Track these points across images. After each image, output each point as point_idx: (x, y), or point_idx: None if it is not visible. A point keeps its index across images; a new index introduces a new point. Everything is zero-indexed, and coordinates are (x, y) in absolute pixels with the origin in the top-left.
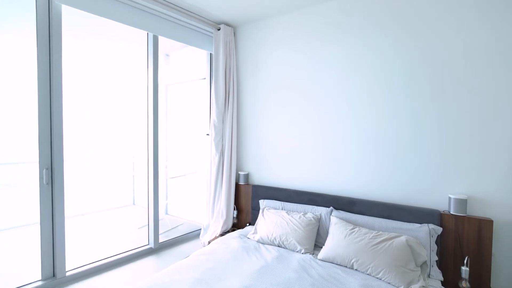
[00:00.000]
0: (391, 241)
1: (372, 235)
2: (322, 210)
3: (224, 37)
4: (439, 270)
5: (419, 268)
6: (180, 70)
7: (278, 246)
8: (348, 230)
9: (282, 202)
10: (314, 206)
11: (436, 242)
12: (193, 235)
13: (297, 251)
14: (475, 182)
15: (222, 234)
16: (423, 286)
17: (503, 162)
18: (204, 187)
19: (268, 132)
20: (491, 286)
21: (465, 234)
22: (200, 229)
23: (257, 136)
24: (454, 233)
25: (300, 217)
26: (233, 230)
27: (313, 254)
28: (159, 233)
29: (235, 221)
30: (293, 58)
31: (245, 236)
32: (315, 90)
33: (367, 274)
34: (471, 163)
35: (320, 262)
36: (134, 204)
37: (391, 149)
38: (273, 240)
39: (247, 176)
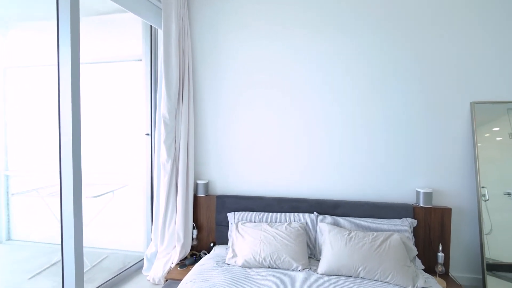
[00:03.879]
0: (388, 241)
1: (370, 238)
2: (306, 217)
3: (177, 8)
4: (419, 260)
5: (412, 263)
6: (97, 44)
7: (269, 268)
8: (346, 236)
9: (260, 213)
10: (297, 214)
11: (413, 234)
12: (131, 272)
13: (292, 269)
14: (435, 177)
15: (182, 263)
16: (425, 280)
17: (455, 159)
18: (143, 204)
19: (239, 133)
20: (449, 263)
21: (432, 222)
22: (141, 260)
23: (221, 137)
24: (424, 223)
25: (286, 228)
26: (193, 255)
27: (310, 269)
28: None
29: (195, 242)
30: (270, 52)
31: (222, 262)
32: (293, 88)
33: (375, 280)
34: (432, 160)
35: (325, 278)
36: (6, 240)
37: (368, 152)
38: (262, 262)
39: (206, 186)
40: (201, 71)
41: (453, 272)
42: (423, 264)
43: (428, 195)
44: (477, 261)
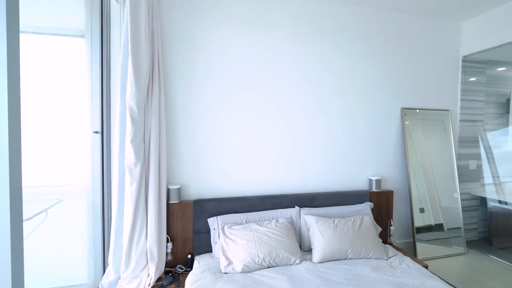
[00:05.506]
0: (363, 224)
1: (350, 222)
2: (290, 212)
3: None
4: None
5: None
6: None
7: (268, 267)
8: (332, 224)
9: (245, 214)
10: (281, 210)
11: None
12: None
13: (291, 264)
14: (381, 166)
15: (158, 284)
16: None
17: (392, 152)
18: (87, 223)
19: (216, 131)
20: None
21: (382, 203)
22: None
23: (196, 136)
24: (376, 204)
25: (275, 225)
26: (169, 273)
27: (305, 260)
28: None
29: (169, 258)
30: (249, 53)
31: (219, 272)
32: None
33: (360, 258)
34: (378, 153)
35: (322, 265)
36: None
37: (334, 150)
38: (261, 263)
39: (179, 191)
40: (171, 60)
41: (395, 240)
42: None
43: (378, 182)
44: (409, 228)
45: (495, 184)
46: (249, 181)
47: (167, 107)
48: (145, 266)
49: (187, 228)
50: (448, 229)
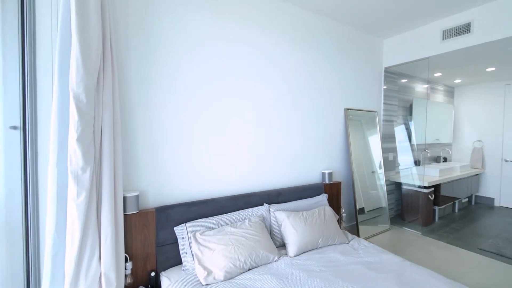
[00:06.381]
0: (326, 214)
1: (316, 214)
2: (261, 210)
3: None
4: None
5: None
6: None
7: (250, 270)
8: (301, 218)
9: (216, 217)
10: (251, 209)
11: None
12: None
13: (270, 262)
14: (331, 161)
15: None
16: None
17: (338, 147)
18: (4, 248)
19: (179, 128)
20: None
21: (333, 193)
22: None
23: (155, 133)
24: (329, 195)
25: (249, 224)
26: None
27: (282, 255)
28: None
29: (129, 280)
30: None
31: (199, 285)
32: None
33: (328, 245)
34: (328, 149)
35: (299, 258)
36: None
37: (294, 148)
38: (243, 266)
39: (137, 199)
40: (125, 42)
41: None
42: None
43: (330, 175)
44: (352, 213)
45: (403, 171)
46: (218, 181)
47: (121, 98)
48: None
49: (149, 241)
50: (373, 210)
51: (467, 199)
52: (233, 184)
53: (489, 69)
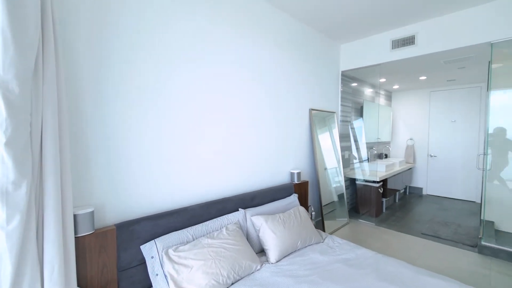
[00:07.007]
0: (301, 215)
1: (292, 215)
2: (237, 216)
3: None
4: None
5: None
6: None
7: (233, 284)
8: (279, 221)
9: (189, 229)
10: (227, 216)
11: None
12: None
13: (253, 272)
14: (298, 161)
15: None
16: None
17: (305, 148)
18: None
19: (140, 129)
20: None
21: (301, 192)
22: None
23: (113, 136)
24: (298, 194)
25: (227, 233)
26: None
27: (263, 263)
28: None
29: None
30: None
31: None
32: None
33: (306, 246)
34: (296, 150)
35: (281, 263)
36: None
37: (265, 150)
38: (226, 281)
39: (91, 216)
40: (73, 23)
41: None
42: None
43: (299, 174)
44: (318, 209)
45: (357, 167)
46: (187, 188)
47: (69, 89)
48: None
49: (109, 266)
50: (330, 203)
51: (403, 190)
52: (205, 189)
53: (421, 78)
